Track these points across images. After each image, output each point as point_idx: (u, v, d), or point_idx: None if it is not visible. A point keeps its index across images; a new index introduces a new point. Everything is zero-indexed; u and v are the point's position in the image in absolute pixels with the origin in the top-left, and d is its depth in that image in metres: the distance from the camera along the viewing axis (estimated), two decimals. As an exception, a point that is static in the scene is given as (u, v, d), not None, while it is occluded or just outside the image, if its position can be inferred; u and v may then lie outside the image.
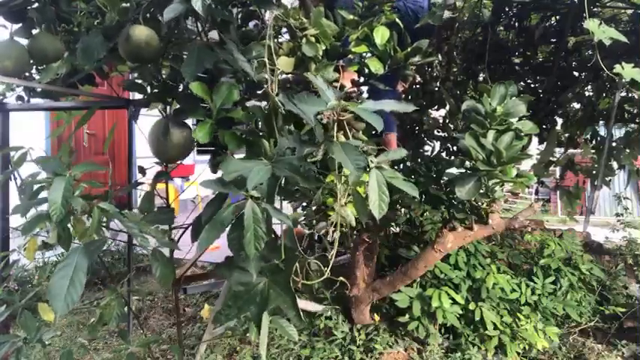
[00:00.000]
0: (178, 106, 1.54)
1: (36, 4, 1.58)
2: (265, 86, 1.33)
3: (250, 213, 1.12)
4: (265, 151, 1.26)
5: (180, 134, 1.47)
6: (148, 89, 1.62)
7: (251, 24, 1.66)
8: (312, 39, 1.40)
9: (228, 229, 1.20)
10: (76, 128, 2.39)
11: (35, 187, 1.53)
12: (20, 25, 1.64)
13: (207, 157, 2.06)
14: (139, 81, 1.64)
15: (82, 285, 1.16)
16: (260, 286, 1.28)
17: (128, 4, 1.39)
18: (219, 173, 1.23)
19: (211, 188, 1.20)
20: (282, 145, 1.26)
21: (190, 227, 1.91)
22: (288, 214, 1.44)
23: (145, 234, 1.31)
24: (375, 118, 1.24)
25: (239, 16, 1.61)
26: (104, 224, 1.39)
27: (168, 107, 1.61)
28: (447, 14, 2.04)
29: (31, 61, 1.64)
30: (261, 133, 1.34)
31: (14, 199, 1.80)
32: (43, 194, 1.58)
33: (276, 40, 1.46)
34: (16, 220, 1.84)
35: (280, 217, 1.18)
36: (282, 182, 1.30)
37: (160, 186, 1.85)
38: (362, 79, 2.06)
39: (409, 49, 1.77)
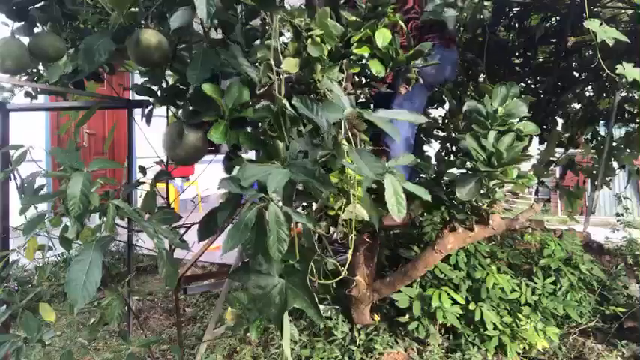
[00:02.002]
0: (190, 108, 1.54)
1: (41, 3, 1.58)
2: (272, 89, 1.34)
3: (273, 216, 1.13)
4: (278, 154, 1.27)
5: (195, 136, 1.47)
6: (158, 93, 1.62)
7: (256, 22, 1.66)
8: (318, 39, 1.40)
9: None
10: (75, 128, 2.40)
11: (36, 185, 1.53)
12: (22, 23, 1.63)
13: (207, 157, 2.06)
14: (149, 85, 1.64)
15: (97, 280, 1.17)
16: (278, 288, 1.28)
17: (137, 9, 1.38)
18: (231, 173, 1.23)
19: (230, 189, 1.19)
20: (295, 148, 1.27)
21: (191, 227, 1.93)
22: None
23: (159, 234, 1.31)
24: (391, 127, 1.26)
25: (243, 14, 1.61)
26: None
27: (179, 110, 1.61)
28: (450, 12, 2.05)
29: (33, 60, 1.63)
30: (272, 135, 1.34)
31: (14, 199, 1.80)
32: (43, 194, 1.59)
33: (281, 40, 1.45)
34: (16, 220, 1.84)
35: (301, 219, 1.18)
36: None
37: (160, 186, 1.85)
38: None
39: (411, 52, 1.78)
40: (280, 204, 1.15)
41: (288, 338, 1.32)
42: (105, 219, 1.31)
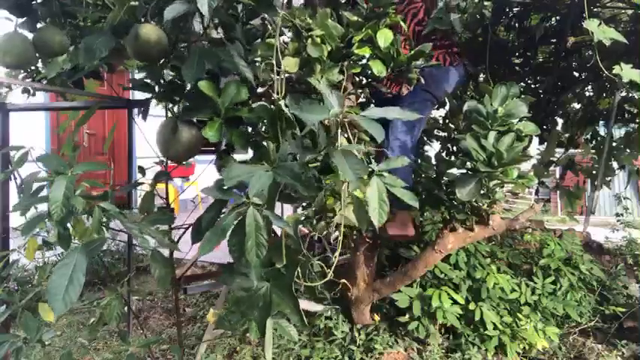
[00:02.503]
0: (186, 104, 1.53)
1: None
2: (269, 89, 1.34)
3: (252, 221, 1.12)
4: (269, 155, 1.26)
5: (188, 133, 1.47)
6: (156, 88, 1.61)
7: (255, 22, 1.65)
8: (318, 40, 1.39)
9: (228, 233, 1.19)
10: (75, 128, 2.39)
11: (35, 186, 1.53)
12: (25, 18, 1.63)
13: (208, 157, 2.06)
14: (147, 80, 1.63)
15: (80, 284, 1.16)
16: (262, 291, 1.27)
17: (137, 3, 1.38)
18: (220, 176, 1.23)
19: (211, 195, 1.20)
20: (285, 151, 1.26)
21: (189, 228, 1.92)
22: (288, 219, 1.44)
23: (145, 235, 1.31)
24: (375, 127, 1.24)
25: (243, 13, 1.60)
26: (104, 224, 1.39)
27: (175, 106, 1.61)
28: (453, 16, 2.04)
29: (37, 55, 1.63)
30: (266, 135, 1.34)
31: (14, 199, 1.80)
32: (43, 193, 1.59)
33: (281, 39, 1.45)
34: (16, 220, 1.84)
35: (280, 224, 1.17)
36: (282, 187, 1.30)
37: (160, 186, 1.85)
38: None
39: (412, 53, 1.77)
40: (263, 208, 1.14)
41: (271, 343, 1.32)
42: (92, 221, 1.31)
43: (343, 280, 1.69)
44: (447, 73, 2.44)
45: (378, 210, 1.25)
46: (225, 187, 1.17)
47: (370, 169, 1.27)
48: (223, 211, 1.35)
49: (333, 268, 1.40)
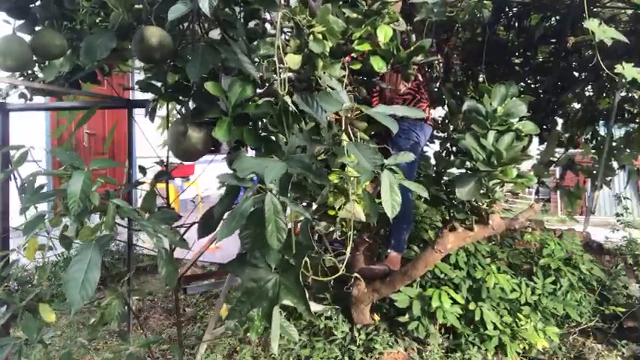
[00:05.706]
0: (194, 106, 1.54)
1: (39, 1, 1.58)
2: (274, 86, 1.34)
3: (271, 205, 1.13)
4: (278, 148, 1.28)
5: (199, 133, 1.48)
6: (162, 89, 1.62)
7: (252, 24, 1.66)
8: (320, 36, 1.40)
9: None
10: (76, 128, 2.40)
11: (36, 185, 1.53)
12: (23, 21, 1.63)
13: (207, 157, 2.06)
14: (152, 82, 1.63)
15: (96, 279, 1.16)
16: (271, 282, 1.30)
17: (140, 5, 1.39)
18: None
19: (228, 181, 1.20)
20: (293, 143, 1.29)
21: (191, 227, 1.93)
22: (289, 217, 1.45)
23: (159, 233, 1.32)
24: (390, 121, 1.27)
25: (242, 14, 1.61)
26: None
27: (181, 107, 1.61)
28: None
29: (34, 58, 1.63)
30: (275, 130, 1.35)
31: (14, 199, 1.80)
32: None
33: (283, 36, 1.46)
34: (16, 220, 1.84)
35: (297, 209, 1.19)
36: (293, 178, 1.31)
37: (160, 186, 1.85)
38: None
39: (412, 48, 1.78)
40: (279, 195, 1.16)
41: (278, 333, 1.33)
42: (105, 218, 1.31)
43: (356, 274, 1.71)
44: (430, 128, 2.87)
45: (391, 202, 1.28)
46: (241, 177, 1.18)
47: (381, 163, 1.29)
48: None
49: (344, 263, 1.41)
